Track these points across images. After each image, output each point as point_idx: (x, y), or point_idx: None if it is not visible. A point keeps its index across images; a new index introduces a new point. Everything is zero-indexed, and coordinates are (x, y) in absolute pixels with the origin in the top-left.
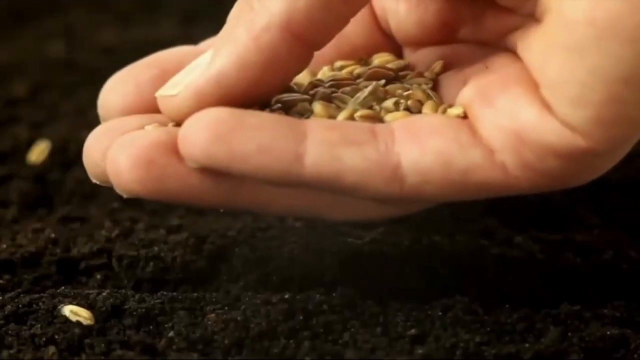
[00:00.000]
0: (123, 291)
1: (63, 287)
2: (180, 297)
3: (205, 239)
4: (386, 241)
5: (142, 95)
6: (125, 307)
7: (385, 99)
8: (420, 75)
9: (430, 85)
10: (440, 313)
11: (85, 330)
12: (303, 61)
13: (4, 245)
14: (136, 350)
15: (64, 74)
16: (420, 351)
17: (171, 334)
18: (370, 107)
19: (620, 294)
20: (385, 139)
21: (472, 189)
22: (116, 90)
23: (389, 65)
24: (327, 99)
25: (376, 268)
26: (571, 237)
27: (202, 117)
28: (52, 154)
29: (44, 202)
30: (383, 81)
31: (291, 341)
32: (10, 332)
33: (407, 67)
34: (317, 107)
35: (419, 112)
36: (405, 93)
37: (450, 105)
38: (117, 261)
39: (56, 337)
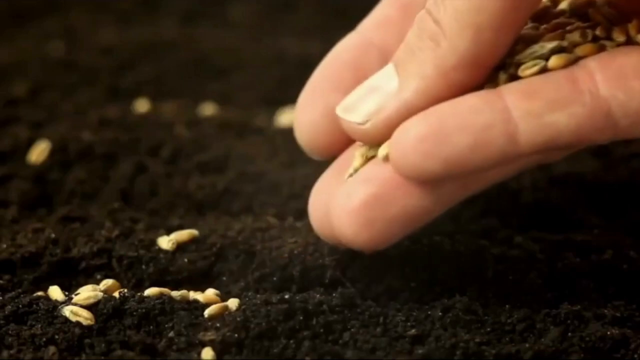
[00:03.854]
0: (123, 291)
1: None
2: (180, 297)
3: (206, 239)
4: None
5: (335, 120)
6: (125, 307)
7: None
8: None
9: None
10: (440, 313)
11: (85, 330)
12: (488, 72)
13: (4, 245)
14: (136, 350)
15: (64, 74)
16: (420, 351)
17: (171, 334)
18: (562, 49)
19: (620, 294)
20: (588, 87)
21: None
22: (307, 116)
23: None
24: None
25: (376, 268)
26: (571, 237)
27: (404, 140)
28: (52, 154)
29: (44, 202)
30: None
31: (291, 341)
32: (10, 332)
33: None
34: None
35: (608, 37)
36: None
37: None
38: (117, 261)
39: (56, 337)
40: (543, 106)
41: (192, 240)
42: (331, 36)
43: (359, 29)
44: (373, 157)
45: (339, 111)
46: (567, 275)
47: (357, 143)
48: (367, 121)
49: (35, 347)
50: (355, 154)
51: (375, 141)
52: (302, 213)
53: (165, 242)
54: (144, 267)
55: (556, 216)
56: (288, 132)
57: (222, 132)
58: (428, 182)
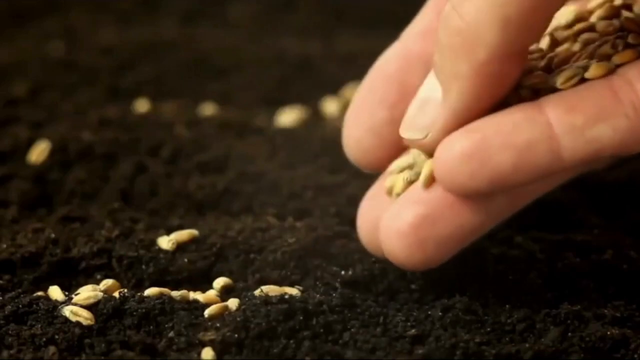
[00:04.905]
0: (123, 291)
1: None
2: (180, 297)
3: (206, 239)
4: None
5: (380, 135)
6: (125, 307)
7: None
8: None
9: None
10: (440, 313)
11: (85, 330)
12: (523, 65)
13: (4, 245)
14: (136, 350)
15: (64, 74)
16: (420, 351)
17: (171, 334)
18: (603, 57)
19: (620, 294)
20: (630, 98)
21: None
22: (354, 132)
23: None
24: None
25: (376, 268)
26: (571, 237)
27: (448, 159)
28: (52, 154)
29: (44, 202)
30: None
31: (291, 341)
32: (10, 332)
33: None
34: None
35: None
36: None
37: None
38: (117, 261)
39: (56, 337)
40: (585, 120)
41: (192, 240)
42: (331, 36)
43: (401, 38)
44: (414, 181)
45: (402, 132)
46: (567, 275)
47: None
48: (426, 135)
49: (35, 347)
50: (397, 179)
51: None
52: (302, 213)
53: (165, 242)
54: (144, 267)
55: (556, 216)
56: (288, 132)
57: (222, 132)
58: (476, 198)
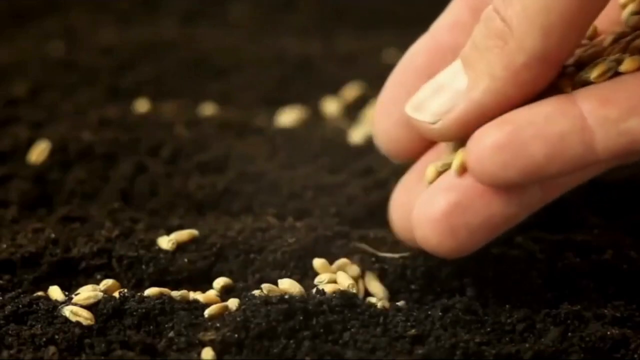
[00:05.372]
0: (123, 291)
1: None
2: (180, 297)
3: (206, 239)
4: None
5: (409, 126)
6: (125, 307)
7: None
8: None
9: None
10: (440, 313)
11: (85, 330)
12: (559, 70)
13: (4, 245)
14: (136, 350)
15: (64, 74)
16: (420, 351)
17: (171, 334)
18: (637, 51)
19: (620, 294)
20: None
21: None
22: (383, 124)
23: None
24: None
25: (376, 268)
26: (571, 237)
27: (480, 149)
28: (52, 154)
29: (44, 202)
30: None
31: (291, 341)
32: (10, 332)
33: None
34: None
35: None
36: None
37: None
38: (117, 261)
39: (56, 337)
40: (619, 113)
41: (192, 240)
42: (331, 36)
43: (430, 31)
44: (445, 170)
45: (409, 110)
46: (567, 275)
47: (433, 151)
48: (437, 120)
49: (35, 347)
50: (427, 168)
51: (446, 139)
52: (301, 213)
53: (165, 242)
54: (144, 267)
55: (556, 216)
56: (288, 132)
57: (222, 132)
58: (508, 189)
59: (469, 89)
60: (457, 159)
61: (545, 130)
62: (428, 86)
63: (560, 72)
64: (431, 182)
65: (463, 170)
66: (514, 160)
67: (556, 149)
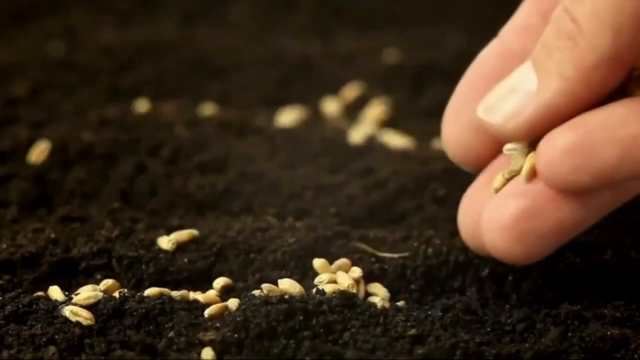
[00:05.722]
0: (123, 291)
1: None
2: (180, 297)
3: (206, 239)
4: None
5: (479, 132)
6: (125, 307)
7: None
8: None
9: None
10: (440, 313)
11: (85, 330)
12: (629, 70)
13: (4, 245)
14: (136, 350)
15: (64, 74)
16: (420, 351)
17: (171, 334)
18: None
19: (620, 294)
20: None
21: None
22: (453, 129)
23: None
24: None
25: (376, 268)
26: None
27: (551, 153)
28: (52, 154)
29: (44, 202)
30: None
31: (291, 341)
32: (10, 332)
33: None
34: None
35: None
36: None
37: None
38: (117, 261)
39: (56, 337)
40: None
41: (192, 240)
42: (331, 36)
43: (500, 35)
44: (513, 177)
45: (480, 112)
46: (567, 275)
47: (501, 158)
48: (508, 122)
49: (35, 347)
50: (496, 176)
51: (517, 140)
52: (301, 213)
53: (165, 242)
54: (144, 267)
55: None
56: (288, 132)
57: (222, 132)
58: (578, 193)
59: (539, 90)
60: (527, 164)
61: (617, 133)
62: (499, 88)
63: (628, 75)
64: (498, 190)
65: (532, 175)
66: (586, 163)
67: (629, 152)
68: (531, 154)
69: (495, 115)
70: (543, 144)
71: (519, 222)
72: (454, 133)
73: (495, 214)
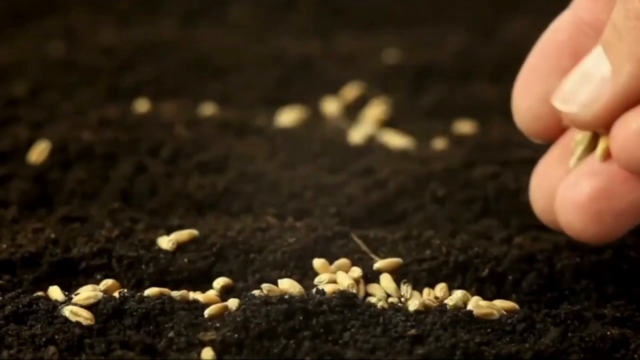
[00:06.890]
0: (123, 291)
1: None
2: (180, 297)
3: (206, 239)
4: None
5: (550, 103)
6: (125, 307)
7: None
8: None
9: None
10: (440, 313)
11: (85, 330)
12: None
13: (4, 245)
14: (136, 350)
15: (64, 74)
16: (420, 351)
17: (171, 334)
18: None
19: (620, 294)
20: None
21: None
22: (525, 101)
23: None
24: None
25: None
26: (571, 237)
27: (625, 135)
28: (52, 154)
29: (44, 202)
30: None
31: (291, 341)
32: (10, 332)
33: None
34: None
35: None
36: None
37: None
38: (117, 261)
39: (56, 337)
40: None
41: (192, 240)
42: (331, 36)
43: (571, 6)
44: (587, 156)
45: (556, 103)
46: (567, 275)
47: (573, 130)
48: (586, 110)
49: (35, 347)
50: (576, 142)
51: (597, 128)
52: (301, 213)
53: (165, 242)
54: (144, 267)
55: None
56: (288, 132)
57: (222, 132)
58: None
59: (613, 75)
60: (600, 145)
61: None
62: (572, 77)
63: None
64: (580, 158)
65: (607, 156)
66: None
67: None
68: (604, 137)
69: (573, 105)
70: (617, 127)
71: (594, 202)
72: (526, 104)
73: (570, 193)
